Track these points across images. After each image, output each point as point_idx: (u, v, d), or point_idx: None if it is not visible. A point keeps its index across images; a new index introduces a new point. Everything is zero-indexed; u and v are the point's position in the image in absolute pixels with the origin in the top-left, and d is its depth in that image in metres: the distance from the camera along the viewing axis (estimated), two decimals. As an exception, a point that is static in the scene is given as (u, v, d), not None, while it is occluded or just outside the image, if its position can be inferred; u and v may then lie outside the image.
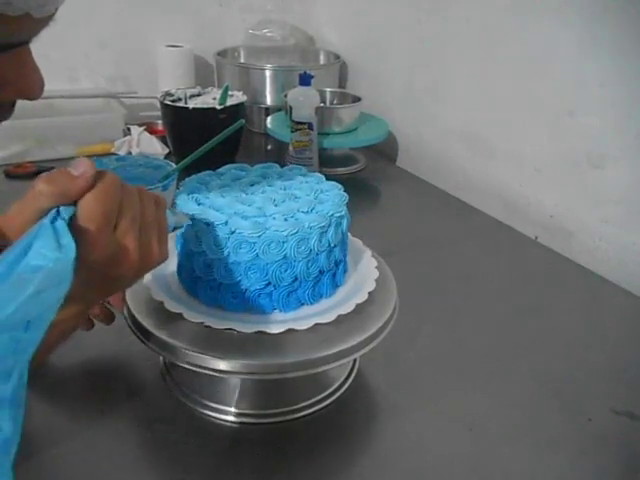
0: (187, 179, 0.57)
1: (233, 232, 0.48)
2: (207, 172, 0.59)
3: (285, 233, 0.48)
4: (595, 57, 0.83)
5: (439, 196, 1.07)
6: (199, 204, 0.52)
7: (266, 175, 0.59)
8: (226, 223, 0.49)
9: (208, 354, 0.47)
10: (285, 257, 0.49)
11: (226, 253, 0.49)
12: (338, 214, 0.52)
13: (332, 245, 0.52)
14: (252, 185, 0.56)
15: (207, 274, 0.51)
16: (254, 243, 0.48)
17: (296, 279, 0.51)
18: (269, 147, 1.29)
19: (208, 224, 0.49)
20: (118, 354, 0.61)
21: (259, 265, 0.49)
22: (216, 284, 0.51)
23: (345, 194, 0.55)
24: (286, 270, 0.50)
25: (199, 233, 0.50)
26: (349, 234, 0.58)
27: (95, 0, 1.28)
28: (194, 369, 0.48)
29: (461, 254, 0.87)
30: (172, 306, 0.50)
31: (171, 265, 0.57)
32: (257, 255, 0.49)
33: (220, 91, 1.11)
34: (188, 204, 0.52)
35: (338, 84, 1.40)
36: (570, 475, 0.51)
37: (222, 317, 0.50)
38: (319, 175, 0.59)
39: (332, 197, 0.54)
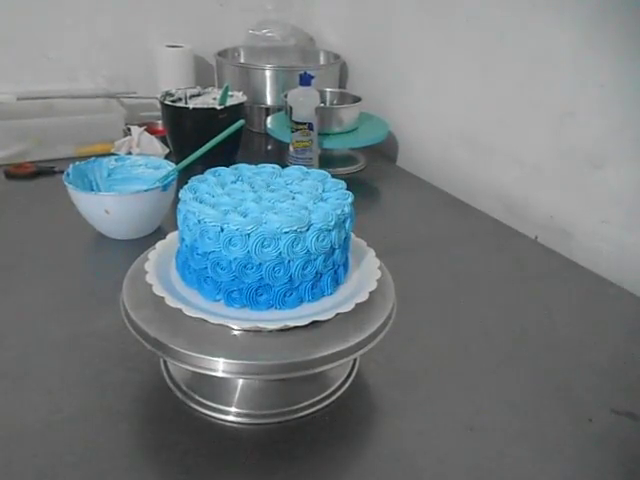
0: (193, 177, 0.57)
1: (231, 229, 0.49)
2: (211, 170, 0.59)
3: (279, 231, 0.48)
4: (595, 57, 0.83)
5: (439, 196, 1.07)
6: (200, 202, 0.52)
7: (270, 174, 0.59)
8: (224, 221, 0.49)
9: (208, 355, 0.47)
10: (279, 255, 0.49)
11: (225, 250, 0.49)
12: (342, 213, 0.52)
13: (333, 245, 0.52)
14: (257, 183, 0.57)
15: (206, 270, 0.51)
16: (247, 240, 0.49)
17: (291, 278, 0.51)
18: (269, 147, 1.29)
19: (207, 221, 0.49)
20: (118, 354, 0.61)
21: (254, 262, 0.49)
22: (214, 280, 0.51)
23: (350, 193, 0.56)
24: (280, 270, 0.50)
25: (199, 230, 0.50)
26: (352, 234, 0.59)
27: (95, 0, 1.28)
28: (194, 370, 0.48)
29: (461, 254, 0.87)
30: (172, 302, 0.50)
31: (172, 262, 0.57)
32: (249, 252, 0.49)
33: (220, 91, 1.12)
34: (191, 202, 0.52)
35: (338, 84, 1.40)
36: (571, 476, 0.51)
37: (221, 314, 0.50)
38: (324, 172, 0.59)
39: (336, 196, 0.54)
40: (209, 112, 1.06)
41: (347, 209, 0.53)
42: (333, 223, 0.51)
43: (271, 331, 0.49)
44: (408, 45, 1.21)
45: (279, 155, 1.17)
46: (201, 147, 0.79)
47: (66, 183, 0.80)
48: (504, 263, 0.85)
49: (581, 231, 0.89)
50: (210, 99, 1.14)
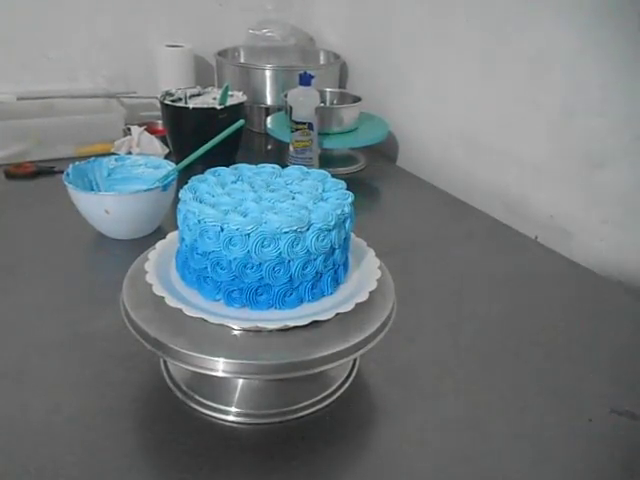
0: (193, 177, 0.57)
1: (231, 229, 0.49)
2: (211, 170, 0.59)
3: (279, 231, 0.48)
4: (595, 57, 0.83)
5: (439, 196, 1.07)
6: (200, 202, 0.52)
7: (270, 174, 0.59)
8: (224, 220, 0.49)
9: (208, 355, 0.47)
10: (279, 255, 0.49)
11: (225, 249, 0.49)
12: (342, 213, 0.52)
13: (333, 245, 0.52)
14: (257, 183, 0.57)
15: (205, 270, 0.51)
16: (247, 240, 0.48)
17: (291, 278, 0.51)
18: (269, 147, 1.29)
19: (207, 221, 0.49)
20: (118, 354, 0.61)
21: (254, 262, 0.49)
22: (214, 280, 0.51)
23: (350, 193, 0.56)
24: (280, 270, 0.50)
25: (199, 229, 0.50)
26: (352, 234, 0.59)
27: (95, 0, 1.28)
28: (194, 370, 0.48)
29: (461, 254, 0.86)
30: (172, 302, 0.50)
31: (172, 262, 0.57)
32: (249, 252, 0.49)
33: (220, 91, 1.12)
34: (191, 202, 0.52)
35: (338, 84, 1.40)
36: (570, 475, 0.51)
37: (221, 314, 0.50)
38: (324, 172, 0.59)
39: (336, 196, 0.54)
40: (209, 112, 1.06)
41: (347, 209, 0.53)
42: (333, 223, 0.51)
43: (271, 331, 0.49)
44: (408, 45, 1.21)
45: (279, 155, 1.16)
46: (201, 147, 0.79)
47: (66, 183, 0.80)
48: (504, 263, 0.85)
49: (581, 231, 0.89)
50: (210, 99, 1.14)
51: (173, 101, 1.11)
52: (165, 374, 0.59)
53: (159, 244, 0.60)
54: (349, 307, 0.51)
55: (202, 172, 0.59)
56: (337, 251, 0.53)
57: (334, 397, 0.57)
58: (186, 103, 1.11)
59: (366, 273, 0.57)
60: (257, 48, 1.44)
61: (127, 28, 1.34)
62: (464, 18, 1.05)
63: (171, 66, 1.33)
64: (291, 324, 0.49)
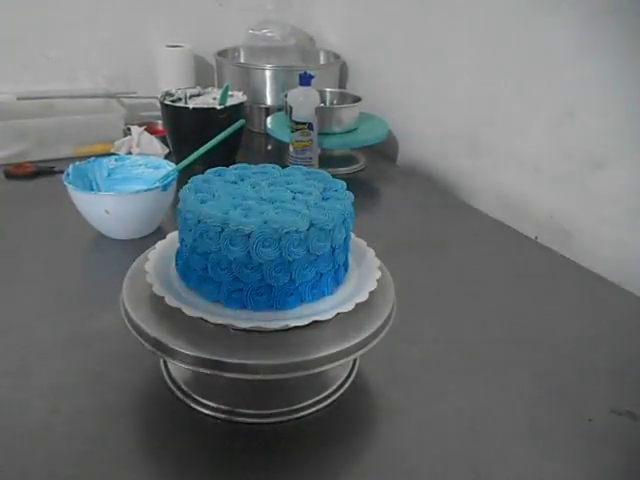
0: (193, 177, 0.57)
1: (231, 229, 0.48)
2: (212, 170, 0.59)
3: (279, 231, 0.48)
4: (595, 57, 0.83)
5: (439, 196, 1.07)
6: (201, 202, 0.52)
7: (271, 174, 0.59)
8: (224, 220, 0.49)
9: (208, 355, 0.47)
10: (280, 255, 0.49)
11: (225, 249, 0.49)
12: (342, 213, 0.52)
13: (333, 245, 0.52)
14: (257, 183, 0.57)
15: (206, 270, 0.51)
16: (247, 240, 0.48)
17: (291, 278, 0.51)
18: (269, 147, 1.29)
19: (207, 221, 0.49)
20: (118, 354, 0.61)
21: (254, 262, 0.49)
22: (214, 280, 0.51)
23: (350, 193, 0.56)
24: (281, 270, 0.50)
25: (199, 230, 0.50)
26: (352, 234, 0.59)
27: (95, 0, 1.28)
28: (194, 369, 0.48)
29: (461, 254, 0.86)
30: (172, 302, 0.50)
31: (172, 262, 0.57)
32: (249, 252, 0.49)
33: (220, 91, 1.12)
34: (192, 202, 0.52)
35: (338, 84, 1.40)
36: (570, 475, 0.51)
37: (221, 314, 0.50)
38: (324, 172, 0.59)
39: (337, 196, 0.54)
40: (209, 112, 1.06)
41: (347, 209, 0.53)
42: (333, 223, 0.51)
43: (271, 331, 0.49)
44: (408, 45, 1.21)
45: (279, 155, 1.17)
46: (201, 147, 0.79)
47: (66, 183, 0.80)
48: (504, 263, 0.85)
49: (581, 231, 0.89)
50: (210, 99, 1.14)
51: (173, 101, 1.11)
52: (165, 374, 0.59)
53: (159, 244, 0.60)
54: (349, 307, 0.51)
55: (202, 172, 0.59)
56: (337, 251, 0.53)
57: (334, 397, 0.57)
58: (186, 103, 1.11)
59: (366, 273, 0.57)
60: (257, 48, 1.44)
61: (127, 28, 1.34)
62: (464, 18, 1.05)
63: (171, 66, 1.33)
64: (291, 324, 0.49)
